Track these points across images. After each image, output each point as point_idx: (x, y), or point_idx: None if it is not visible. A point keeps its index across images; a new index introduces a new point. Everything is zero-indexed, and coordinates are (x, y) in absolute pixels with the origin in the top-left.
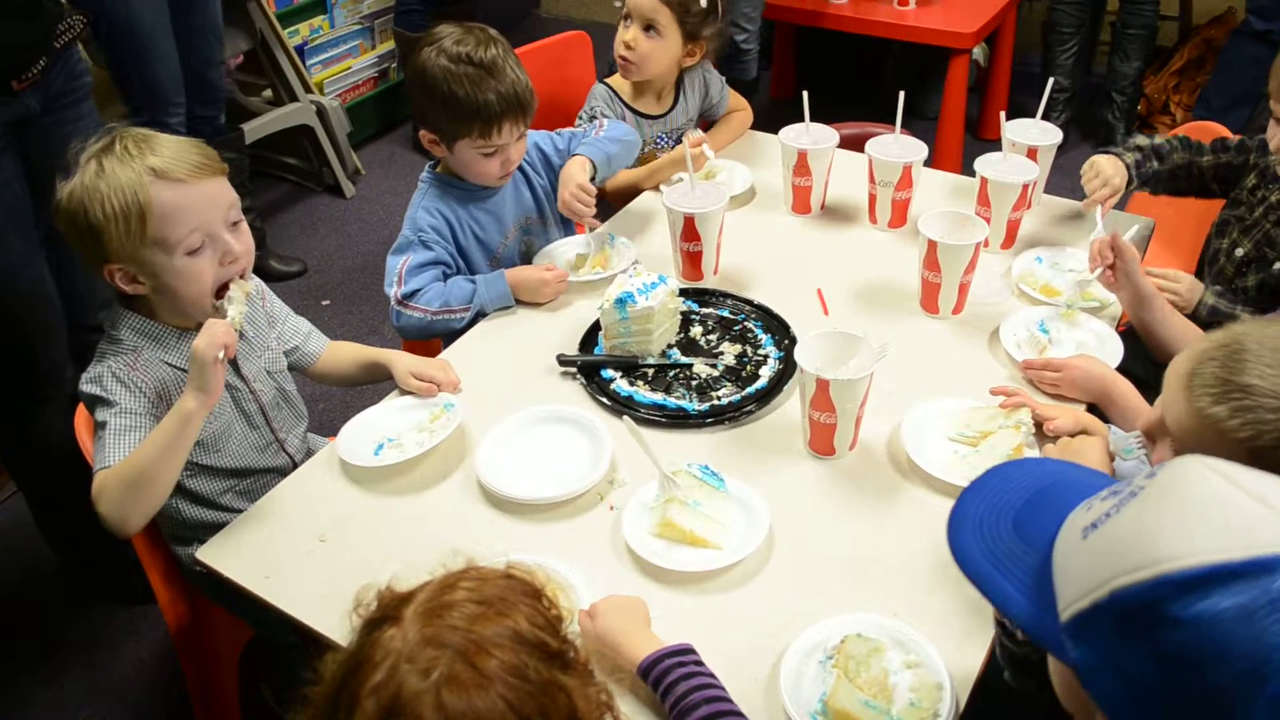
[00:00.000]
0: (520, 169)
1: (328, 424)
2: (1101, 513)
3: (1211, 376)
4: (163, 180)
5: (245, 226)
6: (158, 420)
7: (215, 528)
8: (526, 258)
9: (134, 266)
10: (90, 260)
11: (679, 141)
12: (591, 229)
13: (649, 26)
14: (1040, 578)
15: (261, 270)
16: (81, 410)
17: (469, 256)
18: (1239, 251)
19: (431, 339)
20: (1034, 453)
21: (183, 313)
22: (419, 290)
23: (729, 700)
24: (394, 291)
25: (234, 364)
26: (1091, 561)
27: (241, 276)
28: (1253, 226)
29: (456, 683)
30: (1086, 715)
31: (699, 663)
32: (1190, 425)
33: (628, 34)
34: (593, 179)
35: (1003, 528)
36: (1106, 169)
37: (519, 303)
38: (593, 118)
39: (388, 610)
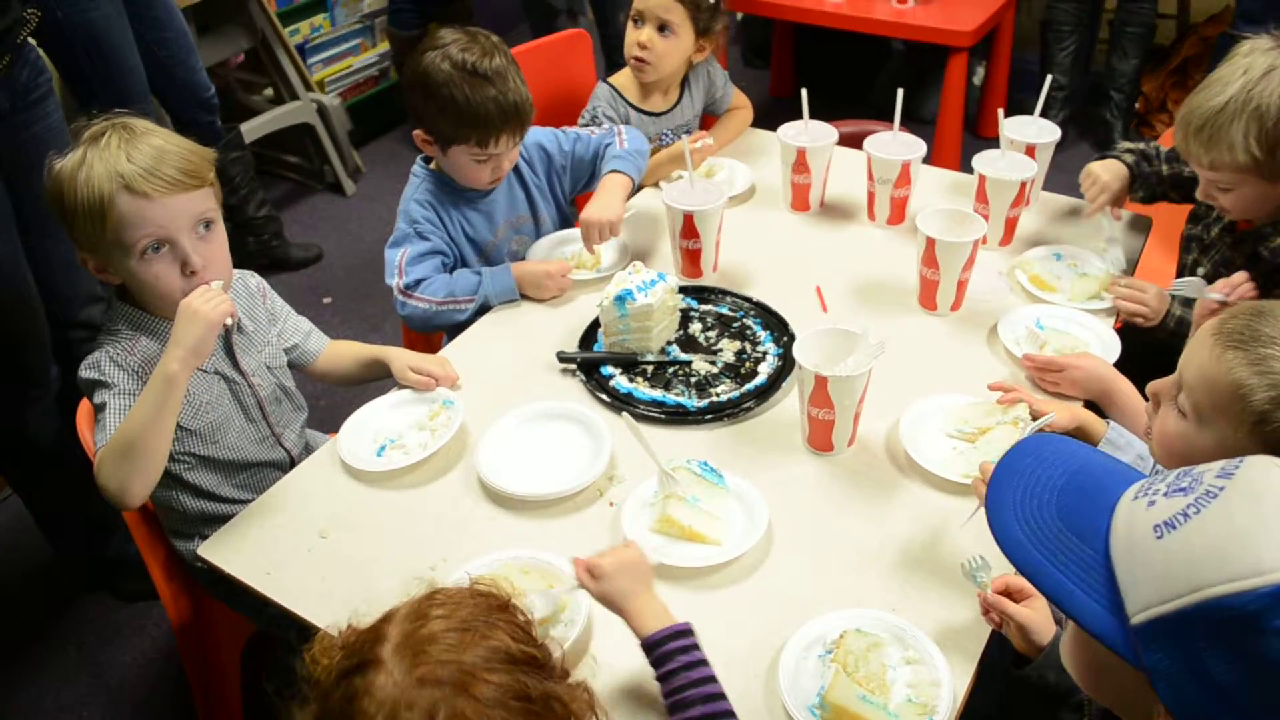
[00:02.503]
0: (515, 168)
1: (329, 421)
2: (1174, 511)
3: (1242, 326)
4: (127, 191)
5: (218, 236)
6: None
7: (216, 520)
8: (517, 256)
9: (102, 258)
10: (73, 242)
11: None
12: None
13: (663, 26)
14: (1104, 576)
15: (283, 258)
16: (83, 406)
17: (459, 251)
18: (1201, 271)
19: (436, 330)
20: None
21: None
22: (422, 280)
23: (724, 699)
24: (396, 283)
25: (232, 357)
26: (1172, 564)
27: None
28: (1210, 247)
29: (462, 719)
30: (1120, 706)
31: (697, 647)
32: (1211, 372)
33: (641, 35)
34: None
35: (1046, 515)
36: (1101, 175)
37: (523, 297)
38: (594, 118)
39: (363, 655)
